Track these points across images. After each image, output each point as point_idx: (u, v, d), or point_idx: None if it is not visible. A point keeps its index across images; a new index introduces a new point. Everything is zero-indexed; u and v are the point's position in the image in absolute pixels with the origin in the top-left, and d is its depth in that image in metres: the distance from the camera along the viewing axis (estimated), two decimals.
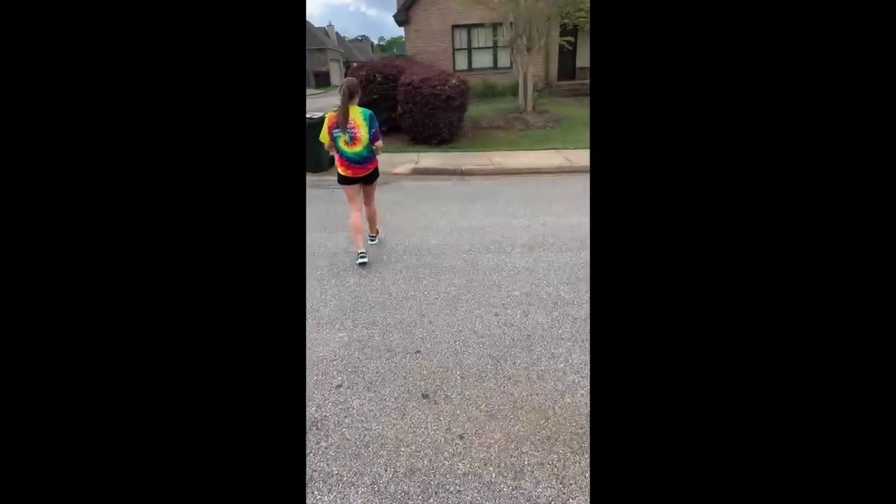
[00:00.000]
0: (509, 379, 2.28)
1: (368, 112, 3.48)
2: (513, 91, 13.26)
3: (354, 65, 9.98)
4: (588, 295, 3.01)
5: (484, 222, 4.63)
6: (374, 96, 8.71)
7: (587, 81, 14.19)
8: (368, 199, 3.85)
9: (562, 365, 2.37)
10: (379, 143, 3.53)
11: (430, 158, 7.74)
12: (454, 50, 13.95)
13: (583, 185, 6.09)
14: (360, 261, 3.64)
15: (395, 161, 7.56)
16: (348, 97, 3.39)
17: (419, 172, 7.06)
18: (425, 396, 2.17)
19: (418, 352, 2.52)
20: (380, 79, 8.80)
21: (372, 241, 4.14)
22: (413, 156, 7.97)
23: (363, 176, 3.61)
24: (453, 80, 8.40)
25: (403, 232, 4.40)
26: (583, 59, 15.02)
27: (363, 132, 3.43)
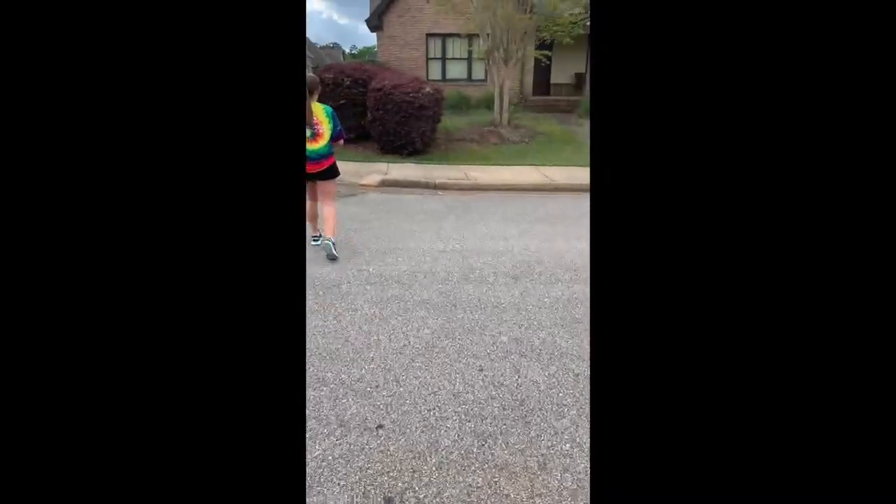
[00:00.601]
0: (502, 469, 1.70)
1: (330, 109, 3.51)
2: (487, 104, 12.88)
3: (317, 67, 9.34)
4: (589, 343, 2.55)
5: (461, 244, 4.08)
6: (342, 101, 8.09)
7: (562, 97, 13.95)
8: (326, 198, 3.69)
9: (567, 446, 1.82)
10: (341, 143, 3.59)
11: (401, 169, 7.16)
12: (428, 59, 13.49)
13: (565, 204, 5.65)
14: (314, 243, 3.85)
15: (362, 171, 6.95)
16: (309, 94, 3.35)
17: (388, 184, 6.47)
18: (388, 502, 1.57)
19: (380, 427, 1.90)
20: (348, 82, 8.20)
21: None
22: (382, 166, 7.37)
23: (318, 171, 3.56)
24: (427, 89, 7.89)
25: (367, 255, 3.78)
26: (558, 74, 14.89)
27: (325, 128, 3.47)
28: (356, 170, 6.97)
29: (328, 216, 3.66)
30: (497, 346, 2.50)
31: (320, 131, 3.45)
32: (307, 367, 2.26)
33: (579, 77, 14.72)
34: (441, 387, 2.15)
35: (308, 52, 42.59)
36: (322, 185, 3.65)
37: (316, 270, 3.40)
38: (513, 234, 4.43)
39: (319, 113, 3.43)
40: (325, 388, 2.11)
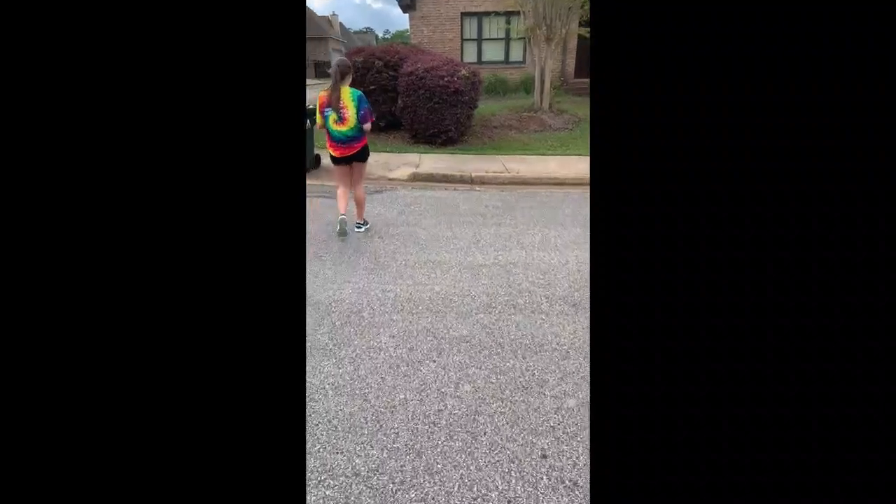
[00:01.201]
0: None
1: (357, 93, 3.52)
2: (526, 87, 12.09)
3: (342, 50, 8.77)
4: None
5: (505, 256, 3.46)
6: (372, 87, 7.51)
7: None
8: (355, 181, 3.84)
9: None
10: (367, 126, 3.56)
11: (434, 161, 6.55)
12: (463, 40, 12.73)
13: None
14: (341, 218, 3.78)
15: (392, 163, 6.37)
16: (339, 77, 3.45)
17: (420, 178, 5.88)
18: None
19: None
20: (379, 66, 7.60)
21: (358, 228, 4.00)
22: (413, 157, 6.78)
23: (350, 155, 3.66)
24: (463, 72, 7.21)
25: (395, 269, 3.21)
26: None
27: (351, 112, 3.49)
28: (385, 161, 6.40)
29: (358, 200, 3.91)
30: (564, 416, 1.88)
31: (346, 115, 3.49)
32: (313, 442, 1.71)
33: None
34: (491, 485, 1.56)
35: (341, 38, 42.35)
36: (354, 168, 3.77)
37: (335, 292, 2.86)
38: (565, 241, 3.78)
39: (346, 96, 3.47)
40: (332, 484, 1.55)
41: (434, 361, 2.21)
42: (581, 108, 10.10)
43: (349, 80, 3.54)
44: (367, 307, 2.69)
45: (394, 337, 2.40)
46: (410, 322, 2.54)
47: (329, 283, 2.99)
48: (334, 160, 3.72)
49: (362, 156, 3.71)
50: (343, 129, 3.53)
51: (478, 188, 5.61)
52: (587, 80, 13.07)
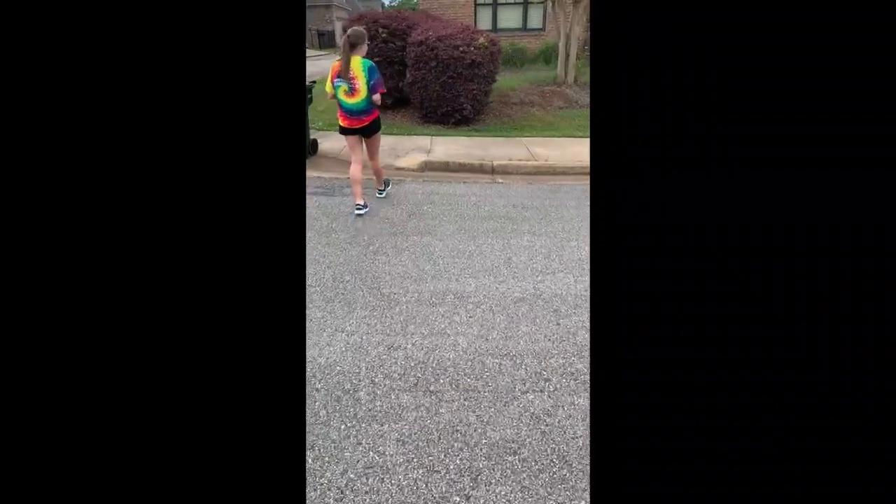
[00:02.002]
0: None
1: (369, 63, 3.41)
2: (545, 58, 11.01)
3: (345, 18, 7.75)
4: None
5: (548, 283, 2.64)
6: (376, 59, 6.57)
7: None
8: (371, 154, 3.82)
9: None
10: (377, 98, 3.44)
11: (448, 145, 5.66)
12: (476, 5, 11.59)
13: None
14: (357, 212, 3.65)
15: (399, 148, 5.50)
16: (349, 47, 3.36)
17: (433, 168, 5.01)
18: None
19: None
20: (384, 34, 6.63)
21: (380, 193, 4.08)
22: (424, 140, 5.89)
23: (360, 127, 3.57)
24: (480, 40, 6.25)
25: (399, 308, 2.41)
26: None
27: (362, 83, 3.39)
28: (392, 145, 5.53)
29: (376, 170, 3.93)
30: None
31: (357, 86, 3.39)
32: None
33: None
34: None
35: (345, 6, 40.69)
36: (368, 142, 3.70)
37: (322, 350, 2.07)
38: None
39: (357, 67, 3.36)
40: None
41: (467, 499, 1.43)
42: None
43: (362, 50, 3.42)
44: (365, 379, 1.90)
45: (403, 443, 1.61)
46: (427, 411, 1.74)
47: (316, 331, 2.20)
48: (344, 130, 3.61)
49: (373, 128, 3.60)
50: (354, 100, 3.42)
51: (500, 179, 4.75)
52: None
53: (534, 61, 11.15)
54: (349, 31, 3.43)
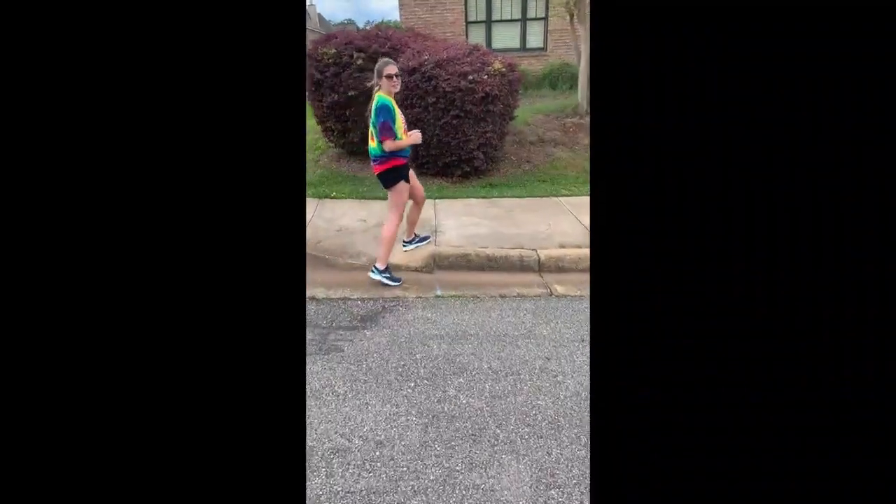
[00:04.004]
0: None
1: (380, 101, 2.85)
2: (551, 82, 9.46)
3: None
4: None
5: None
6: (350, 92, 4.84)
7: None
8: (388, 210, 3.13)
9: None
10: (387, 145, 2.86)
11: (461, 216, 3.89)
12: (468, 23, 10.04)
13: None
14: (376, 277, 3.04)
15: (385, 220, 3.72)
16: (374, 85, 2.93)
17: (446, 264, 3.24)
18: None
19: None
20: (360, 61, 4.91)
21: (406, 245, 3.39)
22: (425, 208, 4.12)
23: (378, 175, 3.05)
24: (495, 64, 4.58)
25: None
26: None
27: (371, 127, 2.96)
28: (377, 216, 3.76)
29: (383, 238, 3.05)
30: None
31: (370, 129, 2.98)
32: None
33: None
34: None
35: (319, 30, 39.35)
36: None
37: None
38: None
39: (372, 106, 2.92)
40: None
41: None
42: None
43: (380, 84, 2.88)
44: None
45: None
46: None
47: None
48: None
49: (384, 181, 3.01)
50: (371, 146, 2.99)
51: (558, 287, 2.99)
52: None
53: (538, 87, 9.57)
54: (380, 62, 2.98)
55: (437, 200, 4.30)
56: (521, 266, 3.18)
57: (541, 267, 3.18)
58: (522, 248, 3.28)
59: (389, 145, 2.84)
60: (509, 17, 10.01)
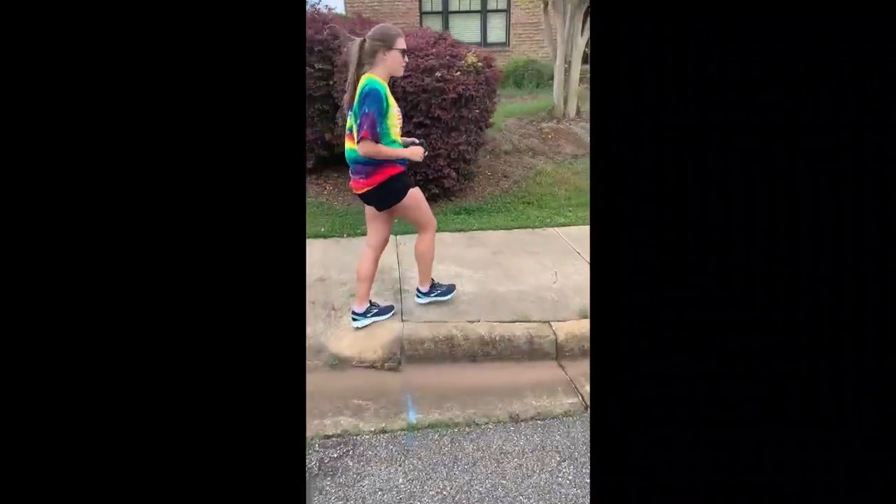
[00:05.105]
0: None
1: (369, 84, 1.93)
2: (516, 81, 8.54)
3: None
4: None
5: None
6: None
7: None
8: (367, 241, 2.32)
9: None
10: (361, 147, 1.94)
11: (435, 264, 2.83)
12: (422, 13, 8.96)
13: None
14: (354, 322, 2.24)
15: (330, 269, 2.60)
16: (355, 62, 2.00)
17: (417, 356, 2.17)
18: None
19: None
20: None
21: (421, 297, 2.41)
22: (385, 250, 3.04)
23: (364, 192, 2.10)
24: (469, 58, 3.57)
25: None
26: None
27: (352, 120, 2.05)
28: (324, 267, 2.67)
29: (420, 255, 2.32)
30: None
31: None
32: None
33: None
34: None
35: None
36: (390, 213, 2.22)
37: None
38: None
39: (357, 92, 2.02)
40: None
41: None
42: None
43: (379, 62, 1.96)
44: None
45: None
46: None
47: None
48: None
49: (372, 198, 2.11)
50: (350, 145, 2.05)
51: (587, 384, 2.01)
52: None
53: (501, 86, 8.62)
54: (370, 33, 1.99)
55: (398, 237, 3.23)
56: (530, 351, 2.18)
57: (559, 351, 2.18)
58: (529, 322, 2.27)
59: (367, 148, 1.91)
60: (468, 9, 9.02)
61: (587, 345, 2.20)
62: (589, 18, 5.70)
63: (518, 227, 3.44)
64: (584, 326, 2.23)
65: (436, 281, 2.49)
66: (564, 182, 4.37)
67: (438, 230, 3.35)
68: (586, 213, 3.67)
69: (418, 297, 2.44)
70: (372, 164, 2.02)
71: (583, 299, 2.46)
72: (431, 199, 3.76)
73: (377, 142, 1.94)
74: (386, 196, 2.09)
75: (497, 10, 9.00)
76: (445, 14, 9.00)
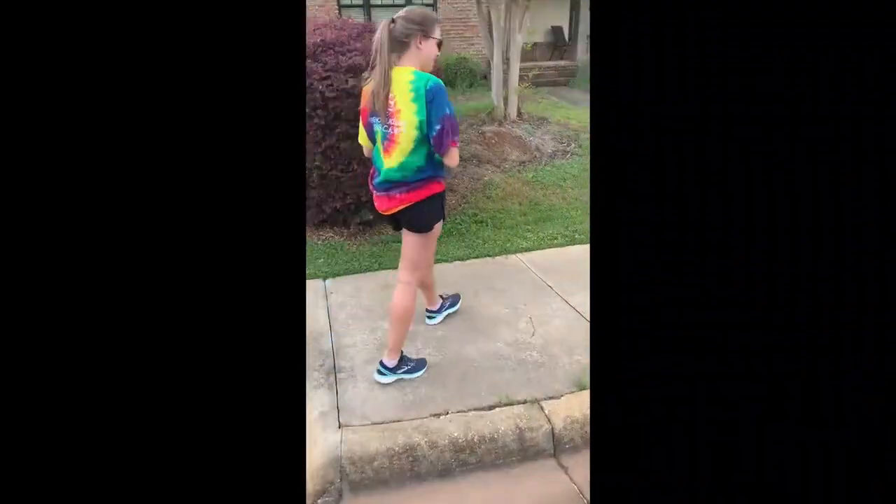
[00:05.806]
0: None
1: (425, 80, 1.47)
2: (448, 80, 8.00)
3: None
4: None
5: None
6: None
7: (541, 63, 9.25)
8: (400, 270, 1.84)
9: None
10: (448, 157, 1.54)
11: (375, 319, 2.16)
12: (340, 7, 8.14)
13: None
14: (381, 378, 1.80)
15: None
16: (387, 48, 1.47)
17: (365, 480, 1.52)
18: None
19: None
20: None
21: (431, 317, 2.14)
22: (309, 297, 2.33)
23: (394, 212, 1.65)
24: None
25: None
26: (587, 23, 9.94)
27: (406, 123, 1.50)
28: None
29: (424, 284, 1.97)
30: None
31: (395, 129, 1.51)
32: None
33: (557, 33, 10.10)
34: None
35: None
36: (406, 241, 1.73)
37: None
38: None
39: (401, 89, 1.47)
40: None
41: None
42: (559, 109, 6.36)
43: (416, 51, 1.51)
44: None
45: None
46: None
47: None
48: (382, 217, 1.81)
49: (410, 219, 1.65)
50: (388, 160, 1.55)
51: None
52: (559, 64, 9.28)
53: None
54: (395, 18, 1.53)
55: (327, 282, 2.55)
56: (521, 450, 1.59)
57: (557, 446, 1.62)
58: (513, 404, 1.69)
59: (456, 159, 1.55)
60: (391, 2, 8.34)
61: (588, 428, 1.67)
62: (523, 10, 5.24)
63: (474, 257, 2.86)
64: (583, 404, 1.68)
65: (404, 353, 1.85)
66: (517, 194, 3.86)
67: (376, 269, 2.72)
68: (547, 233, 3.17)
69: (381, 373, 1.80)
70: (419, 180, 1.58)
71: (572, 357, 1.93)
72: (363, 226, 3.11)
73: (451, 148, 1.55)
74: (420, 217, 1.64)
75: (423, 4, 8.39)
76: (367, 6, 8.27)
